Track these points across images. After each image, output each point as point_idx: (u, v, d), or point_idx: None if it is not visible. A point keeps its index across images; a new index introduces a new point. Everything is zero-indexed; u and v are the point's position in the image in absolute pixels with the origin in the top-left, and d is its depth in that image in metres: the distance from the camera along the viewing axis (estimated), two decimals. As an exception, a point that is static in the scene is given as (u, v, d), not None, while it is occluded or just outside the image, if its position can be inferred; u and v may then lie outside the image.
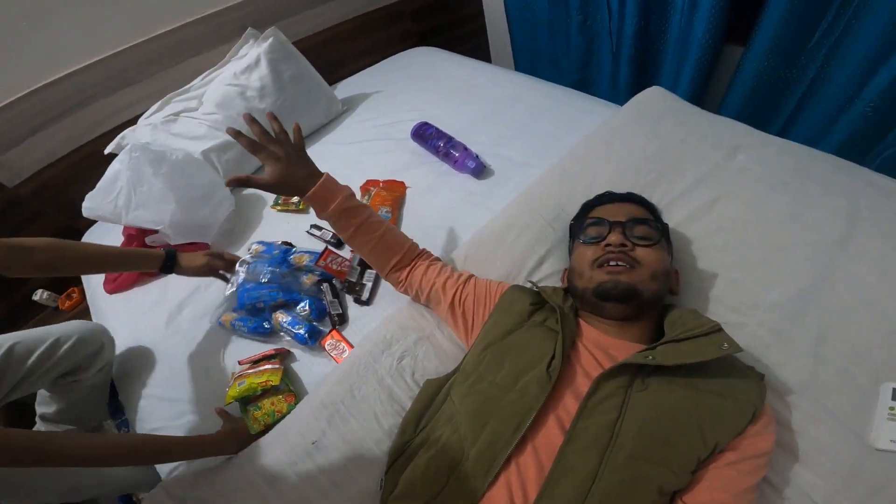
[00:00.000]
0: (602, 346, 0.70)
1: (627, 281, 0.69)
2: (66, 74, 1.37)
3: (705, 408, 0.59)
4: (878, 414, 0.69)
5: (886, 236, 0.86)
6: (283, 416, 0.86)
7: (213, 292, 1.16)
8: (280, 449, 0.79)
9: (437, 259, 0.92)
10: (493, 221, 1.04)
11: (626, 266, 0.70)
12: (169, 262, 1.01)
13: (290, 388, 0.93)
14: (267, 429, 0.86)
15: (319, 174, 0.84)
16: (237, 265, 1.09)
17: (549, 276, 0.94)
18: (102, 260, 0.97)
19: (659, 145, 1.11)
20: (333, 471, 0.75)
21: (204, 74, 1.55)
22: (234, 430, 0.86)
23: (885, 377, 0.72)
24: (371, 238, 0.85)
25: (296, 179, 0.81)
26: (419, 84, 1.70)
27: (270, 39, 1.49)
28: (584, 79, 1.93)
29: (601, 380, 0.61)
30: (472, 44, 2.21)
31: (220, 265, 1.08)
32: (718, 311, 0.83)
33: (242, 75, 1.45)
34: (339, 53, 1.88)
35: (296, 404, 0.88)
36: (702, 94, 1.63)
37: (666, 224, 0.83)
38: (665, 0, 1.55)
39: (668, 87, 1.69)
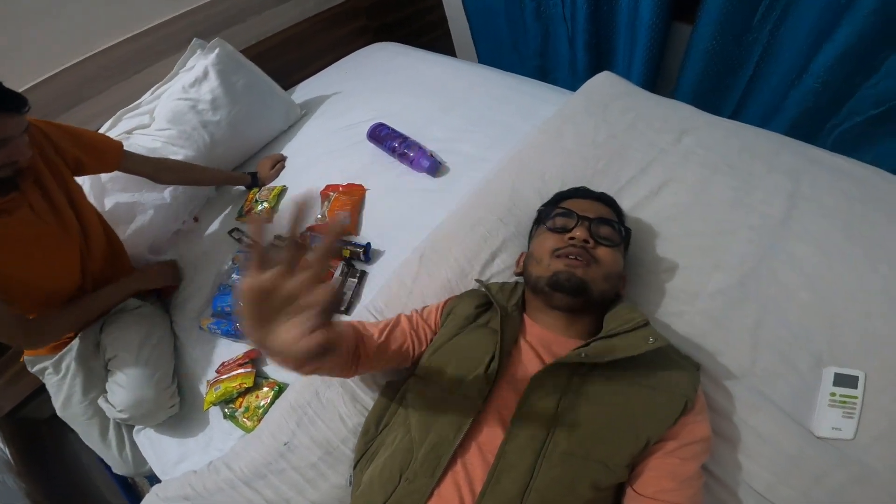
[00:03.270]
0: (545, 342, 0.72)
1: (581, 276, 0.71)
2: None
3: (639, 402, 0.62)
4: (820, 400, 0.70)
5: (828, 215, 0.88)
6: (273, 402, 0.91)
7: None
8: (255, 451, 0.82)
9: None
10: (447, 220, 1.05)
11: (584, 262, 0.73)
12: (253, 178, 1.41)
13: (269, 378, 1.00)
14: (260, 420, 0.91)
15: None
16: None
17: (502, 271, 0.96)
18: (213, 177, 1.38)
19: (608, 132, 1.12)
20: (306, 469, 0.78)
21: (153, 88, 1.52)
22: (160, 267, 1.18)
23: (829, 361, 0.73)
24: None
25: None
26: (376, 82, 1.68)
27: (217, 50, 1.46)
28: (543, 65, 1.93)
29: (537, 378, 0.63)
30: (434, 35, 2.19)
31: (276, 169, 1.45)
32: (660, 300, 0.85)
33: (192, 88, 1.43)
34: (295, 56, 1.86)
35: (280, 389, 0.95)
36: (656, 76, 1.65)
37: (629, 230, 0.85)
38: (613, -18, 1.55)
39: (623, 70, 1.72)
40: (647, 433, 0.60)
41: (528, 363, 0.68)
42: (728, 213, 0.91)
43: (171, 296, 1.23)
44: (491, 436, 0.62)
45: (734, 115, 1.56)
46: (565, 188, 0.96)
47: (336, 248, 1.11)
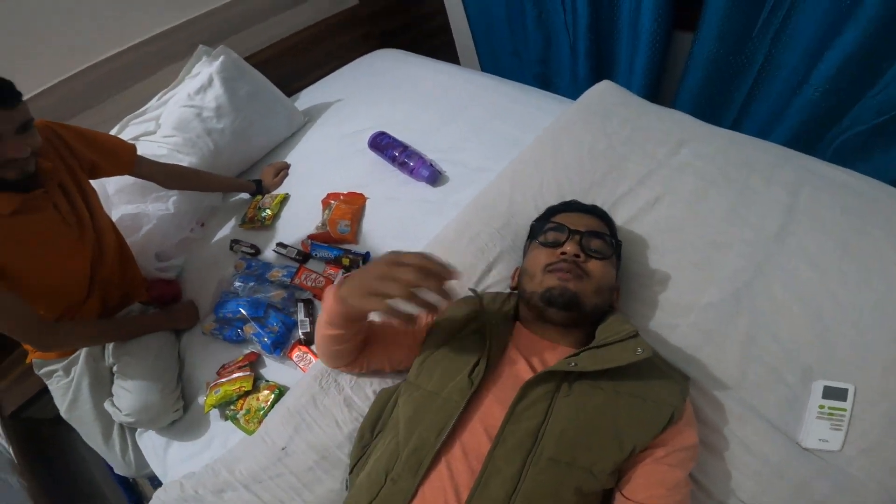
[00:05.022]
0: (536, 351, 0.74)
1: (573, 290, 0.73)
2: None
3: (625, 411, 0.63)
4: (808, 412, 0.71)
5: (825, 229, 0.88)
6: (273, 405, 0.93)
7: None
8: (254, 455, 0.84)
9: None
10: (445, 230, 1.07)
11: (575, 276, 0.74)
12: (258, 185, 1.44)
13: (269, 382, 1.02)
14: (260, 422, 0.92)
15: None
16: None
17: (497, 282, 0.97)
18: (219, 184, 1.41)
19: (606, 143, 1.13)
20: (302, 473, 0.80)
21: (159, 95, 1.55)
22: (184, 309, 1.17)
23: (818, 375, 0.74)
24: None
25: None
26: (378, 89, 1.70)
27: (222, 58, 1.48)
28: (545, 72, 1.94)
29: (528, 386, 0.65)
30: (438, 40, 2.21)
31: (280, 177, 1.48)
32: (653, 313, 0.86)
33: (197, 96, 1.45)
34: (299, 62, 1.88)
35: (280, 392, 0.98)
36: (657, 84, 1.65)
37: (620, 242, 0.87)
38: (613, -11, 1.56)
39: (624, 78, 1.73)
40: (633, 441, 0.62)
41: (519, 370, 0.70)
42: (723, 227, 0.92)
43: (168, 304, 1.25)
44: (476, 442, 0.63)
45: (735, 124, 1.56)
46: (562, 200, 0.97)
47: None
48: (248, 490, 0.79)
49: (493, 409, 0.65)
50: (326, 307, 0.71)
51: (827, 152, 1.37)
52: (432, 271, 0.57)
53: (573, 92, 1.52)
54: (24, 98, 0.79)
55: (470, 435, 0.64)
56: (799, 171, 0.98)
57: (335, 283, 0.76)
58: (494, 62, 2.09)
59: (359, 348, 0.81)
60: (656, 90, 1.67)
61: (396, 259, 0.58)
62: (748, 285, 0.84)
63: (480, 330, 0.76)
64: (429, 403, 0.68)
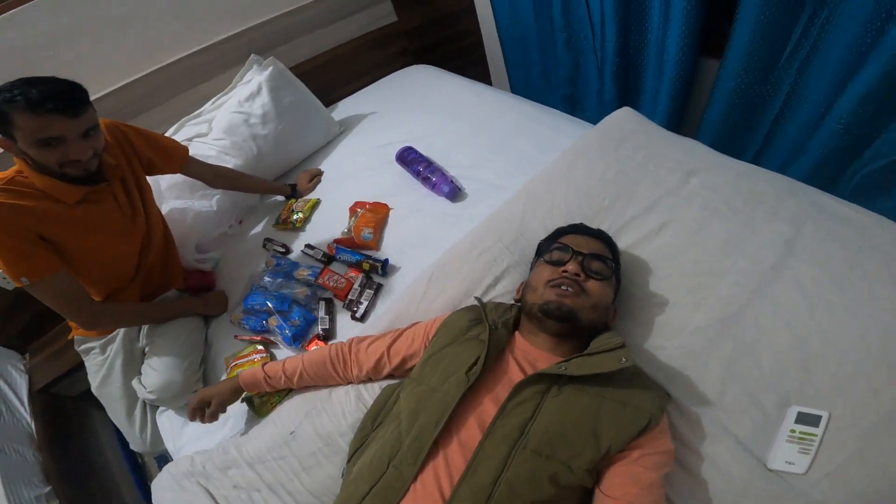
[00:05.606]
0: (530, 357, 0.81)
1: (571, 305, 0.80)
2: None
3: (606, 414, 0.70)
4: (779, 436, 0.74)
5: (822, 264, 0.91)
6: (288, 392, 1.02)
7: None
8: (264, 437, 0.93)
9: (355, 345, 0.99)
10: (459, 243, 1.14)
11: (574, 292, 0.81)
12: (293, 189, 1.57)
13: None
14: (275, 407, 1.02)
15: (236, 383, 0.99)
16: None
17: (502, 295, 1.04)
18: (258, 186, 1.54)
19: (618, 169, 1.18)
20: (305, 457, 0.88)
21: (214, 99, 1.70)
22: (216, 297, 1.31)
23: (796, 401, 0.77)
24: (305, 381, 0.98)
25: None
26: (410, 103, 1.80)
27: (271, 68, 1.62)
28: (573, 94, 1.99)
29: (520, 386, 0.72)
30: (471, 57, 2.29)
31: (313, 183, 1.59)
32: (646, 334, 0.91)
33: (246, 103, 1.59)
34: (339, 74, 2.01)
35: None
36: (682, 111, 1.68)
37: (620, 266, 0.93)
38: (642, 16, 1.60)
39: (649, 103, 1.76)
40: (609, 442, 0.68)
41: (513, 373, 0.78)
42: (720, 256, 0.96)
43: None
44: (469, 434, 0.70)
45: (759, 154, 1.57)
46: (570, 222, 1.03)
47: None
48: (252, 469, 0.88)
49: (486, 406, 0.73)
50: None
51: (848, 186, 1.37)
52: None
53: (599, 114, 1.57)
54: (99, 95, 0.86)
55: (464, 427, 0.71)
56: (805, 206, 1.01)
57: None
58: (524, 82, 2.16)
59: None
60: (681, 116, 1.70)
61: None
62: (737, 312, 0.88)
63: (481, 335, 0.83)
64: (429, 397, 0.76)
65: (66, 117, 0.84)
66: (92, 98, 0.90)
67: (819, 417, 0.73)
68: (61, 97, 0.83)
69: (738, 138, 1.56)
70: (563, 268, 0.85)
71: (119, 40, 1.55)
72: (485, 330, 0.82)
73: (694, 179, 1.13)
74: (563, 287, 0.81)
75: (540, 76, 2.04)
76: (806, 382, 0.79)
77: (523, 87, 2.17)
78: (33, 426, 1.35)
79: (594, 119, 1.49)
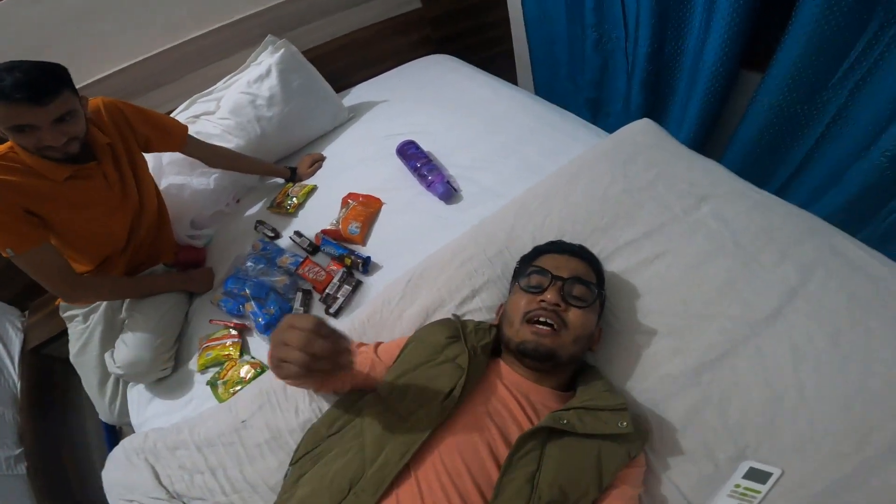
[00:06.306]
0: (523, 390, 0.76)
1: (549, 345, 0.75)
2: (107, 75, 1.56)
3: (606, 455, 0.68)
4: (723, 489, 0.71)
5: (820, 317, 0.82)
6: (251, 382, 1.01)
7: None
8: (216, 421, 0.92)
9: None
10: (442, 249, 1.09)
11: (552, 328, 0.75)
12: (292, 173, 1.55)
13: (254, 358, 1.10)
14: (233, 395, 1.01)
15: None
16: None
17: (479, 309, 0.98)
18: (257, 168, 1.51)
19: (624, 187, 1.09)
20: (251, 447, 0.87)
21: (226, 78, 1.68)
22: (203, 274, 1.30)
23: (752, 456, 0.73)
24: None
25: None
26: (423, 95, 1.74)
27: (282, 51, 1.59)
28: (598, 98, 1.88)
29: (523, 439, 0.68)
30: (495, 51, 2.20)
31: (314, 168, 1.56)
32: (611, 373, 0.85)
33: (255, 84, 1.57)
34: (356, 59, 1.96)
35: (262, 370, 1.05)
36: (711, 126, 1.55)
37: (604, 286, 0.86)
38: (681, 21, 1.47)
39: (678, 113, 1.64)
40: (608, 480, 0.67)
41: (511, 405, 0.73)
42: (713, 298, 0.87)
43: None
44: (453, 464, 0.66)
45: (789, 180, 1.43)
46: (559, 238, 0.96)
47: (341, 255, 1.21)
48: (200, 451, 0.88)
49: (469, 439, 0.69)
50: None
51: (879, 227, 1.23)
52: (322, 334, 0.57)
53: (623, 122, 1.45)
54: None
55: (428, 467, 0.66)
56: (820, 250, 0.90)
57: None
58: (548, 81, 2.05)
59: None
60: (709, 132, 1.57)
61: (290, 323, 0.59)
62: (715, 360, 0.81)
63: (458, 358, 0.77)
64: (397, 425, 0.71)
65: (36, 105, 0.85)
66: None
67: (769, 475, 0.69)
68: (31, 86, 0.83)
69: (768, 161, 1.43)
70: (540, 297, 0.78)
71: (141, 17, 1.56)
72: (463, 353, 0.77)
73: (705, 206, 1.03)
74: (542, 321, 0.76)
75: (565, 77, 1.93)
76: (768, 439, 0.74)
77: (547, 86, 2.07)
78: (18, 387, 1.37)
79: (617, 127, 1.38)
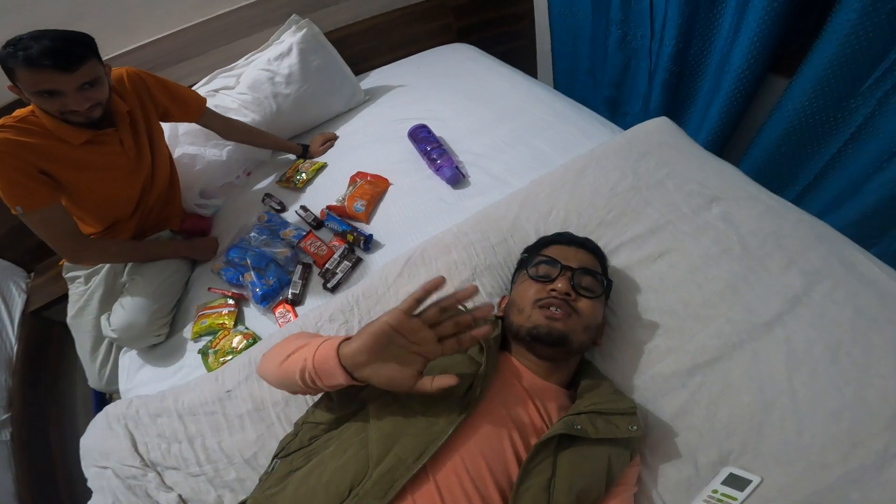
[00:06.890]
0: (536, 389, 0.73)
1: (562, 328, 0.73)
2: (136, 47, 1.60)
3: (615, 458, 0.67)
4: (700, 494, 0.69)
5: (822, 328, 0.79)
6: (242, 352, 1.01)
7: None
8: (201, 390, 0.92)
9: None
10: (444, 233, 1.08)
11: (564, 314, 0.74)
12: (304, 150, 1.57)
13: (248, 329, 1.11)
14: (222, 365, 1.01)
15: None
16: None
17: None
18: (270, 142, 1.52)
19: (631, 183, 1.07)
20: (233, 417, 0.87)
21: (248, 55, 1.71)
22: (207, 242, 1.32)
23: (734, 462, 0.71)
24: None
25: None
26: (440, 82, 1.73)
27: (304, 30, 1.61)
28: (617, 96, 1.85)
29: (540, 445, 0.65)
30: (516, 44, 2.18)
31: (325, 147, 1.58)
32: (606, 368, 0.83)
33: (275, 62, 1.59)
34: (377, 43, 1.96)
35: (254, 341, 1.06)
36: (732, 129, 1.52)
37: (611, 281, 0.85)
38: (710, 21, 1.44)
39: (698, 116, 1.61)
40: (615, 481, 0.67)
41: (529, 409, 0.70)
42: (713, 301, 0.85)
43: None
44: (450, 478, 0.60)
45: (807, 188, 1.39)
46: (564, 230, 0.95)
47: (346, 232, 1.21)
48: (181, 420, 0.88)
49: (490, 440, 0.65)
50: (329, 381, 0.61)
51: (893, 244, 1.18)
52: (442, 299, 0.58)
53: (641, 121, 1.43)
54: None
55: (448, 470, 0.61)
56: (829, 259, 0.87)
57: (337, 350, 0.61)
58: (568, 76, 2.03)
59: None
60: (728, 136, 1.53)
61: (407, 309, 0.57)
62: (709, 362, 0.79)
63: (470, 351, 0.73)
64: (409, 422, 0.63)
65: (62, 72, 0.88)
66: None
67: (748, 482, 0.67)
68: (58, 54, 0.86)
69: (788, 167, 1.39)
70: (551, 286, 0.77)
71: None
72: (475, 346, 0.71)
73: (715, 208, 1.00)
74: (553, 307, 0.74)
75: (586, 72, 1.90)
76: (753, 445, 0.72)
77: (566, 81, 2.04)
78: (15, 349, 1.36)
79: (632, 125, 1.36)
